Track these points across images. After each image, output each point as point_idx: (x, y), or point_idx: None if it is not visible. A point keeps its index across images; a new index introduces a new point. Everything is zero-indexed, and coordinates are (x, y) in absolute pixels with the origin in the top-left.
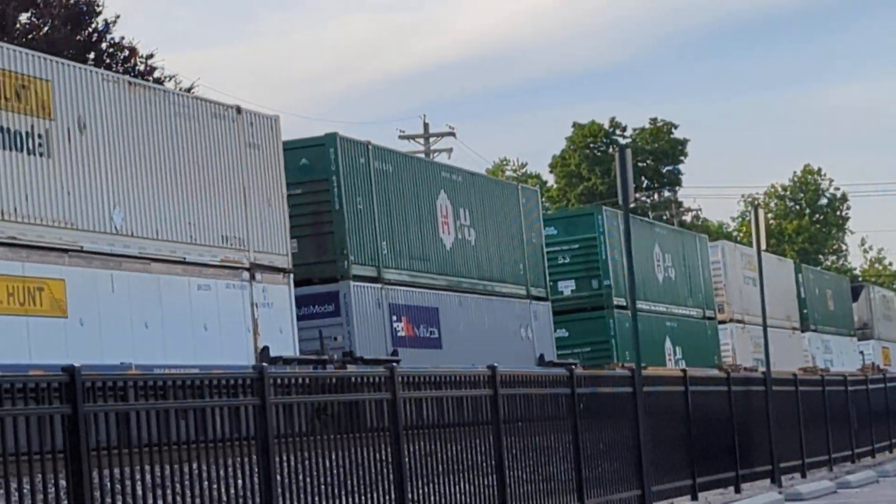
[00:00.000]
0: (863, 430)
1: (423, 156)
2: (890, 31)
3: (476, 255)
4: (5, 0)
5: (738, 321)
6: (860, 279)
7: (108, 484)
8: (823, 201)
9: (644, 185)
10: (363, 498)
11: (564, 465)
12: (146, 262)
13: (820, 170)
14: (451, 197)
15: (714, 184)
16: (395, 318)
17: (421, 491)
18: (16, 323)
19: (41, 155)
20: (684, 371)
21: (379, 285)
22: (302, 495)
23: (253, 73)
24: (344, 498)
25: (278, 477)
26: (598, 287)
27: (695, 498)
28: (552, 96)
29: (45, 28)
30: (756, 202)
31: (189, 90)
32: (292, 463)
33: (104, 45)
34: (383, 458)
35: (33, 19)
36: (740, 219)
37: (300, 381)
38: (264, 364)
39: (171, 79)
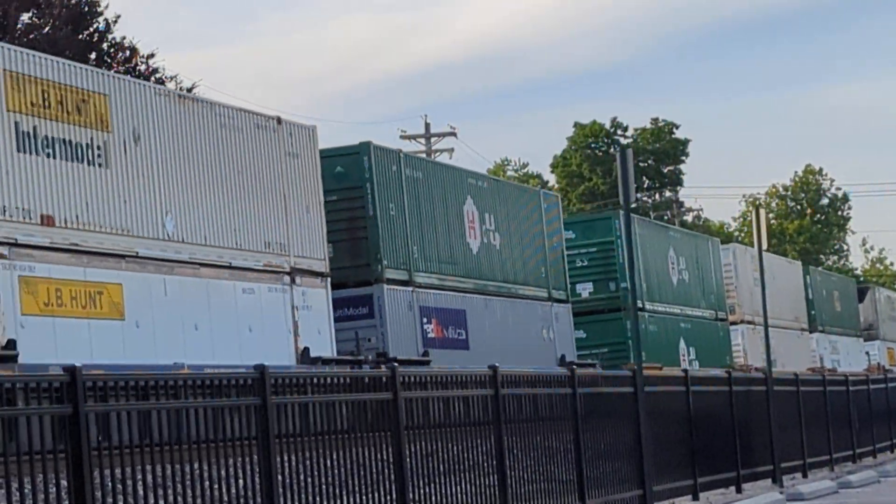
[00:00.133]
0: (864, 430)
1: (424, 156)
2: (890, 31)
3: (501, 258)
4: (7, 0)
5: (749, 322)
6: (861, 279)
7: (109, 484)
8: (825, 201)
9: (645, 185)
10: (364, 498)
11: (566, 465)
12: (196, 267)
13: (821, 170)
14: (477, 203)
15: (715, 184)
16: (425, 319)
17: (422, 491)
18: (79, 325)
19: (100, 165)
20: (685, 371)
21: (410, 288)
22: (303, 495)
23: (254, 73)
24: (345, 498)
25: (279, 477)
26: (615, 289)
27: (696, 498)
28: (553, 96)
29: (47, 28)
30: (757, 202)
31: (190, 90)
32: (293, 463)
33: (105, 45)
34: (384, 457)
35: (34, 19)
36: (741, 219)
37: (301, 381)
38: (265, 364)
39: (171, 79)
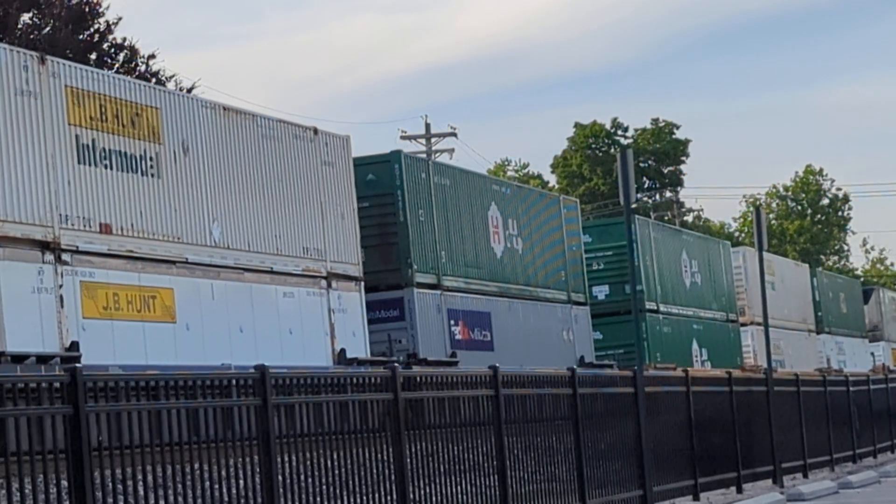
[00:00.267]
0: (864, 430)
1: (424, 156)
2: (890, 32)
3: (523, 262)
4: (7, 0)
5: (759, 324)
6: (862, 280)
7: (110, 484)
8: (825, 201)
9: (646, 186)
10: (365, 498)
11: (566, 465)
12: (240, 272)
13: (822, 170)
14: (500, 208)
15: (716, 184)
16: (452, 322)
17: (422, 491)
18: (134, 328)
19: (152, 176)
20: (686, 371)
21: (438, 292)
22: (303, 495)
23: (256, 74)
24: (346, 498)
25: (280, 477)
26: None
27: (696, 498)
28: (553, 97)
29: (47, 28)
30: (758, 202)
31: (190, 90)
32: (294, 463)
33: (105, 46)
34: (385, 458)
35: (35, 19)
36: (742, 219)
37: (302, 381)
38: (265, 364)
39: (170, 79)
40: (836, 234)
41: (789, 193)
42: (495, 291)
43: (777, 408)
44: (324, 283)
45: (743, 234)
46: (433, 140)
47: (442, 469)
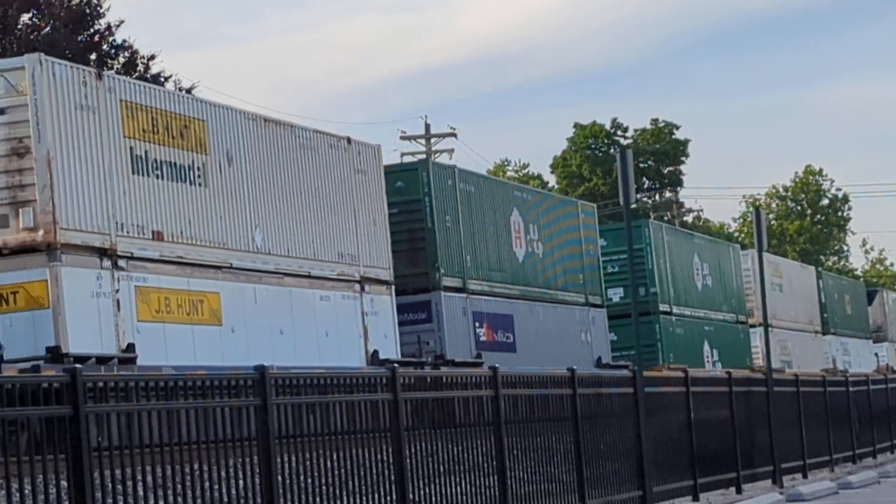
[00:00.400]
0: (864, 430)
1: (424, 156)
2: (890, 32)
3: (543, 266)
4: (7, 1)
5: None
6: (861, 280)
7: (110, 484)
8: (825, 202)
9: (645, 186)
10: (364, 498)
11: (566, 465)
12: (280, 277)
13: (821, 170)
14: (522, 214)
15: (715, 184)
16: (477, 324)
17: (422, 491)
18: (184, 330)
19: (199, 185)
20: (685, 371)
21: (464, 295)
22: (303, 496)
23: (256, 74)
24: (345, 498)
25: (279, 477)
26: (645, 294)
27: (696, 498)
28: (554, 97)
29: (47, 28)
30: (757, 203)
31: (189, 90)
32: (293, 463)
33: (105, 47)
34: (385, 458)
35: (35, 20)
36: (742, 219)
37: (301, 381)
38: (264, 364)
39: (168, 79)
40: (836, 234)
41: (789, 194)
42: (517, 294)
43: (777, 408)
44: (357, 286)
45: (742, 235)
46: (433, 140)
47: (442, 469)
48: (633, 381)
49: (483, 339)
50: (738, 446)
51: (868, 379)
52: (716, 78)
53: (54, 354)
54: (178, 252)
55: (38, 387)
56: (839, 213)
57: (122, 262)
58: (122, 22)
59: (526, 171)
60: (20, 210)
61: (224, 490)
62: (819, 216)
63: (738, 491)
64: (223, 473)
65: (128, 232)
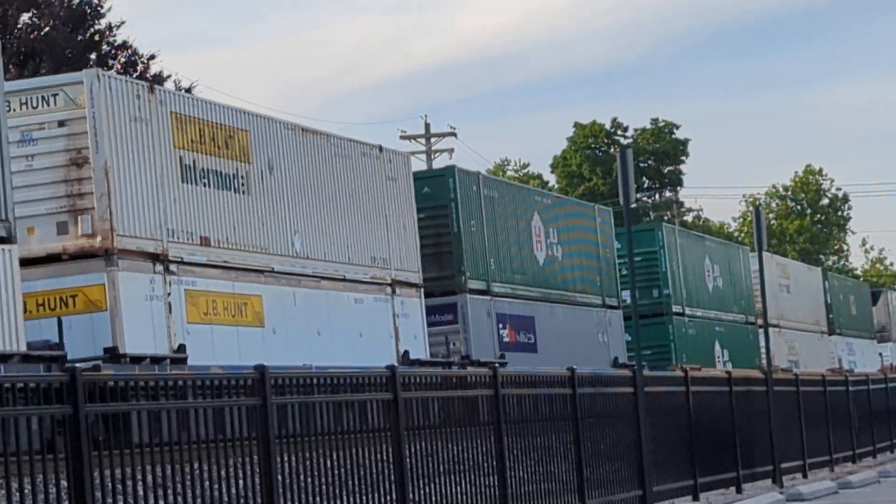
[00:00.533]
0: (864, 430)
1: (423, 157)
2: (890, 32)
3: (562, 269)
4: (7, 1)
5: (775, 325)
6: (861, 280)
7: (110, 484)
8: (825, 201)
9: (645, 186)
10: (364, 498)
11: (566, 465)
12: (318, 280)
13: (821, 170)
14: (542, 218)
15: (715, 184)
16: (500, 325)
17: (422, 491)
18: (229, 332)
19: (243, 193)
20: (685, 371)
21: (488, 297)
22: (303, 495)
23: (256, 74)
24: (345, 498)
25: (279, 477)
26: (659, 295)
27: (696, 498)
28: (554, 97)
29: (46, 28)
30: (757, 202)
31: (188, 90)
32: (293, 463)
33: (105, 47)
34: (385, 457)
35: (34, 19)
36: (742, 219)
37: (301, 381)
38: (265, 364)
39: (168, 79)
40: (836, 234)
41: (789, 193)
42: (538, 296)
43: (777, 408)
44: (388, 289)
45: (742, 234)
46: (433, 140)
47: (442, 469)
48: (633, 380)
49: (506, 339)
50: (737, 446)
51: (868, 379)
52: (716, 78)
53: (112, 355)
54: (224, 257)
55: (37, 386)
56: (839, 213)
57: (172, 267)
58: (122, 22)
59: (526, 170)
60: (79, 217)
61: (224, 490)
62: (819, 216)
63: (739, 491)
64: (223, 473)
65: (178, 238)
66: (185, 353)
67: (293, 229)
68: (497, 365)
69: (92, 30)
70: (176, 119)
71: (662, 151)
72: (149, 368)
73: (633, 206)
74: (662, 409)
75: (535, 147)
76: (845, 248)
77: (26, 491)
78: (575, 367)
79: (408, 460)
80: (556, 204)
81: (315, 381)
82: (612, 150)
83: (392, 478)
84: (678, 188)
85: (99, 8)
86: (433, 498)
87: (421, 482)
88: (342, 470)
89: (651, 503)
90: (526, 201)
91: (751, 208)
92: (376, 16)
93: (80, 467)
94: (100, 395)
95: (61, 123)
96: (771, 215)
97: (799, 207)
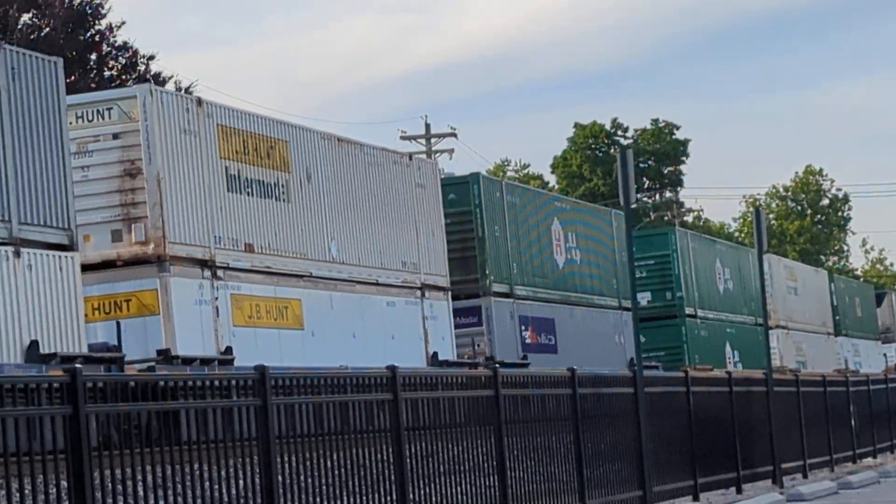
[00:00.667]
0: (864, 430)
1: (425, 156)
2: (891, 32)
3: (581, 272)
4: (7, 1)
5: (783, 327)
6: (861, 280)
7: (110, 484)
8: (825, 202)
9: (646, 186)
10: (365, 498)
11: (566, 465)
12: (353, 285)
13: (821, 170)
14: (561, 223)
15: (715, 184)
16: (522, 327)
17: (422, 491)
18: (271, 334)
19: (284, 201)
20: (686, 371)
21: (511, 300)
22: (303, 495)
23: (256, 74)
24: (345, 498)
25: (279, 477)
26: (672, 298)
27: (696, 498)
28: (554, 97)
29: (47, 28)
30: (757, 203)
31: (188, 90)
32: (294, 463)
33: (106, 47)
34: (385, 458)
35: (35, 20)
36: (742, 219)
37: (303, 381)
38: (265, 364)
39: (168, 79)
40: (836, 234)
41: (789, 194)
42: (558, 299)
43: (777, 408)
44: (418, 293)
45: (743, 235)
46: (433, 140)
47: (442, 469)
48: (633, 380)
49: (528, 341)
50: (738, 446)
51: (868, 379)
52: (716, 78)
53: (165, 357)
54: (266, 262)
55: (37, 386)
56: (839, 213)
57: (219, 273)
58: (122, 23)
59: (526, 171)
60: (132, 225)
61: (224, 490)
62: (819, 216)
63: (739, 491)
64: (223, 473)
65: (224, 245)
66: (231, 354)
67: (330, 235)
68: (521, 366)
69: (92, 30)
70: (222, 131)
71: (663, 152)
72: (198, 369)
73: (634, 206)
74: (663, 410)
75: (535, 147)
76: (845, 248)
77: (26, 491)
78: (575, 367)
79: (408, 460)
80: (575, 209)
81: (316, 381)
82: (612, 150)
83: (392, 478)
84: (678, 188)
85: (100, 9)
86: (433, 498)
87: (421, 482)
88: (343, 470)
89: (651, 503)
90: (546, 207)
91: (751, 209)
92: (376, 16)
93: (80, 467)
94: (106, 395)
95: (116, 136)
96: (771, 216)
97: (799, 208)
